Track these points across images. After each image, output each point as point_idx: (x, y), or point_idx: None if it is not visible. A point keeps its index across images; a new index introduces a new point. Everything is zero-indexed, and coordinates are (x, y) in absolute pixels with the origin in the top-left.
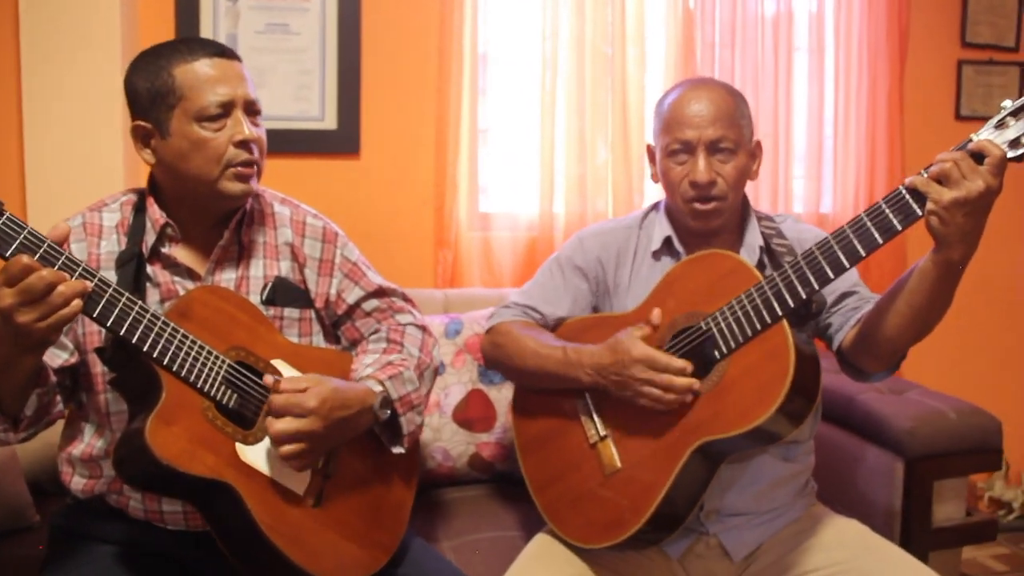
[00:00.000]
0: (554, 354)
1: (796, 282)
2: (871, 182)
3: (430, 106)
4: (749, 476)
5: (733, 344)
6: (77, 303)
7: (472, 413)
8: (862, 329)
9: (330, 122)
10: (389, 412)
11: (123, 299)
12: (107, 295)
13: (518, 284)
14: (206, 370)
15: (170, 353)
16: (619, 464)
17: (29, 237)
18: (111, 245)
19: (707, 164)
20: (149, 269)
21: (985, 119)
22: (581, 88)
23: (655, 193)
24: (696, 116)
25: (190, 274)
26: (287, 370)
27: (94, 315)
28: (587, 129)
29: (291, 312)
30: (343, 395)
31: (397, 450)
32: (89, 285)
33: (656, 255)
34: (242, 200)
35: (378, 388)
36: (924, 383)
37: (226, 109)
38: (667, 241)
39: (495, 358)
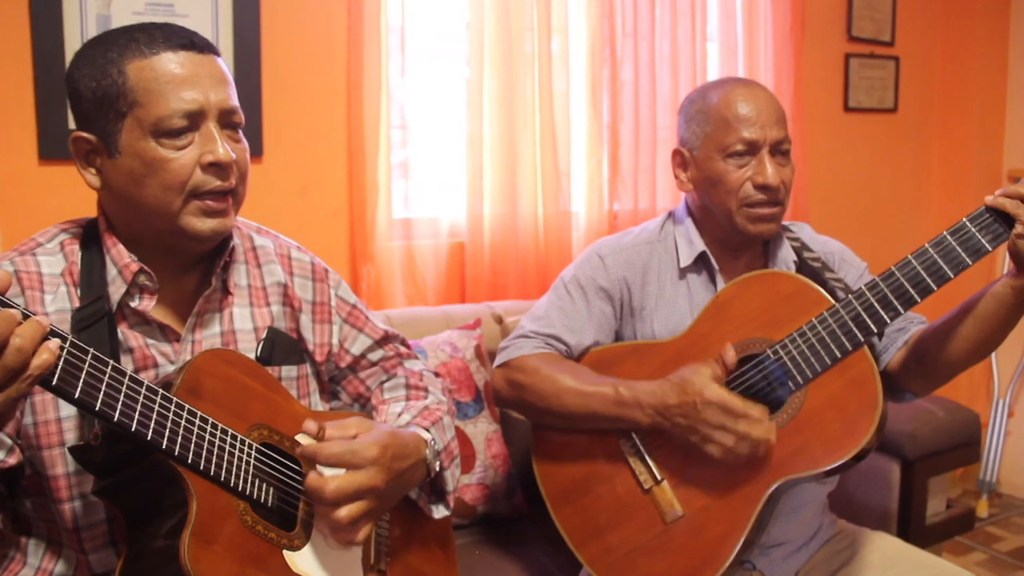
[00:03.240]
0: (603, 391)
1: (877, 306)
2: None
3: (340, 99)
4: (792, 504)
5: (810, 373)
6: (46, 358)
7: None
8: (915, 352)
9: None
10: (439, 465)
11: (126, 382)
12: (105, 379)
13: (444, 299)
14: (236, 461)
15: (193, 447)
16: (680, 510)
17: None
18: (60, 300)
19: (774, 166)
20: (118, 330)
21: (871, 111)
22: (508, 81)
23: (581, 192)
24: (760, 114)
25: (165, 333)
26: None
27: (96, 409)
28: (516, 125)
29: (289, 371)
30: (401, 441)
31: (441, 513)
32: (47, 323)
33: (683, 272)
34: (212, 241)
35: (427, 435)
36: None
37: (194, 120)
38: (700, 256)
39: (516, 398)
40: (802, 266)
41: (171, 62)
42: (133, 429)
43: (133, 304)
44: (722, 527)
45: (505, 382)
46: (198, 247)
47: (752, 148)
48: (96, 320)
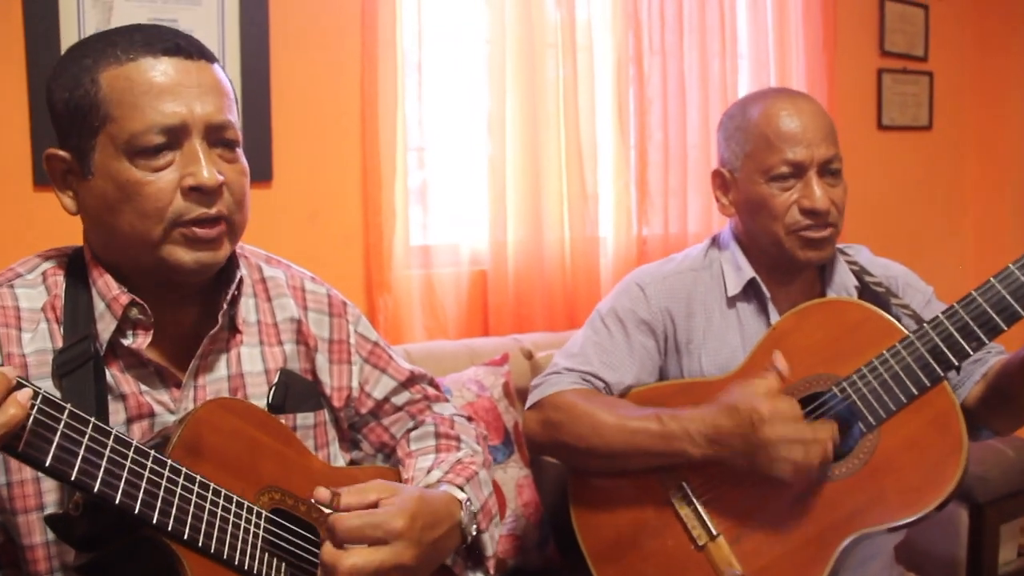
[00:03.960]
0: (647, 427)
1: (957, 335)
2: None
3: (353, 120)
4: (860, 556)
5: (883, 413)
6: (14, 413)
7: None
8: (997, 386)
9: None
10: (476, 528)
11: (110, 443)
12: (85, 440)
13: (466, 331)
14: (241, 535)
15: (190, 520)
16: (739, 569)
17: None
18: (41, 339)
19: (823, 188)
20: (107, 374)
21: (905, 129)
22: (531, 101)
23: (609, 217)
24: (806, 132)
25: (163, 378)
26: None
27: (72, 479)
28: (540, 147)
29: (304, 419)
30: (431, 507)
31: None
32: (13, 375)
33: (731, 301)
34: (199, 275)
35: (461, 495)
36: None
37: (174, 137)
38: (750, 284)
39: (551, 440)
40: (864, 292)
41: (151, 69)
42: (118, 501)
43: (126, 342)
44: None
45: (539, 424)
46: (186, 281)
47: (798, 170)
48: (81, 363)
